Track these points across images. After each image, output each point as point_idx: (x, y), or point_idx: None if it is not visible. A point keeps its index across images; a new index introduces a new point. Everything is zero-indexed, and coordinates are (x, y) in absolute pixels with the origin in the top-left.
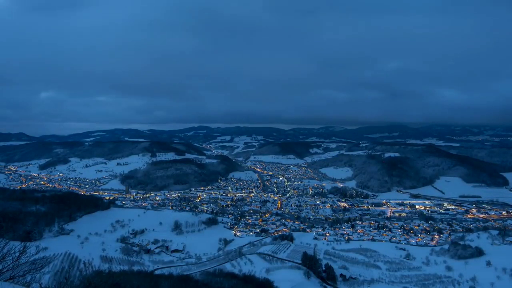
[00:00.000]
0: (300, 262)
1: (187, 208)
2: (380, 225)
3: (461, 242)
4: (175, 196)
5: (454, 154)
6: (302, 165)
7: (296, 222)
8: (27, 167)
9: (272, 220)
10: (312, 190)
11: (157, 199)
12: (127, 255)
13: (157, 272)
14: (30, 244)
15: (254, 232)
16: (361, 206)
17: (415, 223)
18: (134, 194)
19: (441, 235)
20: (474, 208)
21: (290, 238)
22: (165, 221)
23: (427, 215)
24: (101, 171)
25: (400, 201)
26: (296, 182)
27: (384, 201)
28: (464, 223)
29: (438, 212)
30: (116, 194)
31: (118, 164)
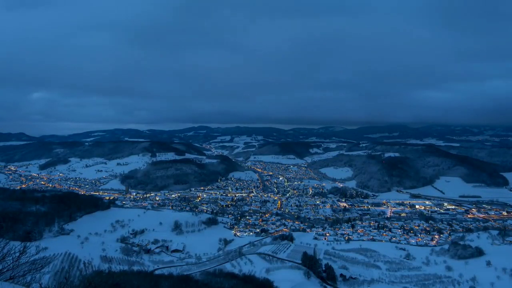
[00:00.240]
0: (300, 262)
1: (187, 208)
2: (380, 225)
3: (461, 242)
4: (175, 196)
5: (454, 154)
6: (302, 165)
7: (296, 222)
8: (27, 167)
9: (272, 220)
10: (312, 190)
11: (157, 199)
12: (127, 255)
13: (157, 272)
14: (30, 244)
15: (254, 232)
16: (361, 206)
17: (415, 223)
18: (134, 194)
19: (441, 235)
20: (474, 208)
21: (290, 238)
22: (165, 221)
23: (427, 215)
24: (101, 171)
25: (400, 201)
26: (296, 182)
27: (384, 201)
28: (464, 223)
29: (438, 212)
30: (116, 194)
31: (118, 164)
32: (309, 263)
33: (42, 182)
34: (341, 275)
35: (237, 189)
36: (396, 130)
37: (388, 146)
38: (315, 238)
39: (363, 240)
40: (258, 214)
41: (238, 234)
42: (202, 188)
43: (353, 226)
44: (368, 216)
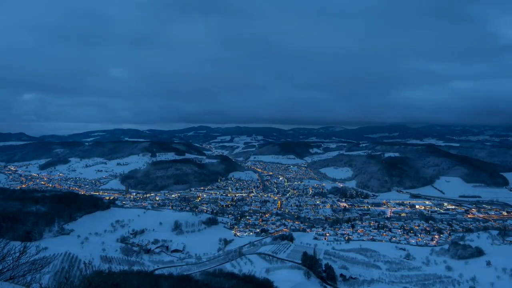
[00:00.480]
0: (300, 262)
1: (187, 208)
2: (380, 225)
3: (461, 242)
4: (175, 196)
5: (454, 154)
6: (302, 165)
7: (296, 222)
8: (27, 167)
9: (272, 220)
10: (312, 190)
11: (157, 199)
12: (127, 255)
13: (157, 272)
14: (30, 244)
15: (254, 232)
16: (361, 206)
17: (415, 223)
18: (134, 194)
19: (441, 235)
20: (474, 208)
21: (290, 238)
22: (165, 221)
23: (427, 215)
24: (101, 171)
25: (400, 201)
26: (296, 182)
27: (384, 201)
28: (464, 223)
29: (438, 212)
30: (116, 194)
31: (118, 164)
32: (309, 263)
33: (42, 182)
34: (341, 275)
35: (237, 189)
36: (396, 130)
37: (388, 146)
38: (315, 238)
39: (363, 240)
40: (258, 214)
41: (238, 234)
42: (202, 188)
43: (353, 226)
44: (368, 216)
